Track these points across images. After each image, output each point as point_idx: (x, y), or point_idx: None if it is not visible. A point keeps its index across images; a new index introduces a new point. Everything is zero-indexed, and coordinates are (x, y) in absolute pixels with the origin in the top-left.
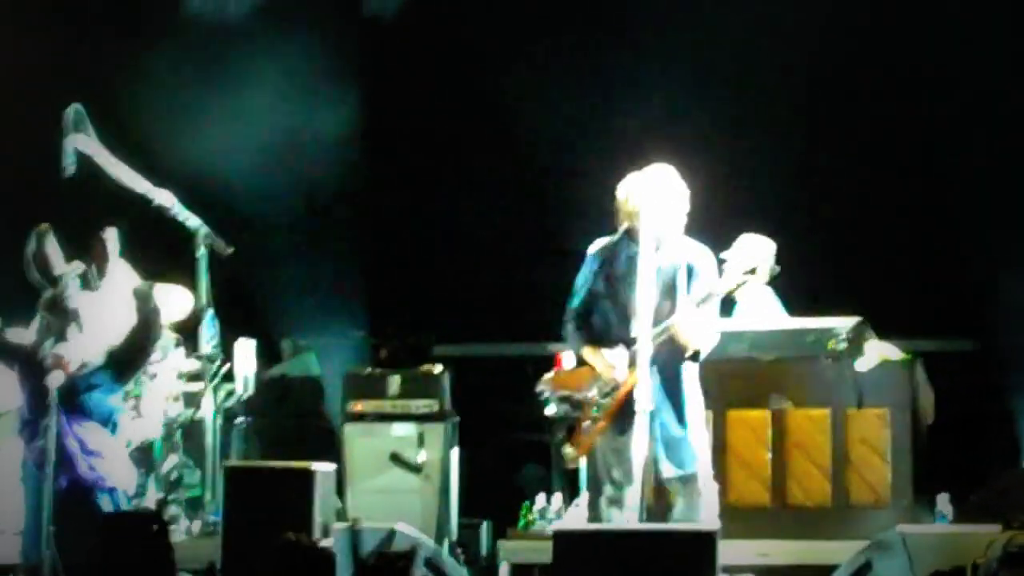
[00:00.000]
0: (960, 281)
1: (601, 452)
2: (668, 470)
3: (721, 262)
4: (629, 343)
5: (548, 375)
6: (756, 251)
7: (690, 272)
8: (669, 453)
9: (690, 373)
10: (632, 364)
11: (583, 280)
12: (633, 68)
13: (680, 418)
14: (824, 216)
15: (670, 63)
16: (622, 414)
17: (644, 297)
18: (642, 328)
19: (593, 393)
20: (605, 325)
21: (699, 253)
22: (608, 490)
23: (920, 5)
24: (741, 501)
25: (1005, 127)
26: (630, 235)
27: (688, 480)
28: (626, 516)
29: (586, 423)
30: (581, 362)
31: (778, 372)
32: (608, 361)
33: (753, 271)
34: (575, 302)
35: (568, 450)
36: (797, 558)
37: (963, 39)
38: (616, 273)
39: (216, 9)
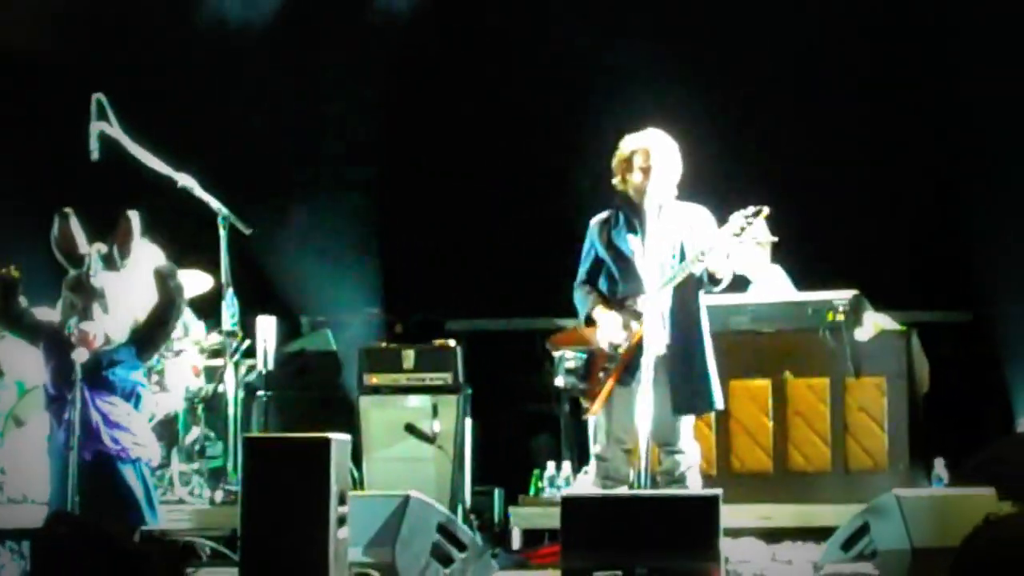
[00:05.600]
0: (954, 253)
1: (610, 411)
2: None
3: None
4: (632, 303)
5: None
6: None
7: (692, 230)
8: (679, 399)
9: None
10: (637, 318)
11: (585, 250)
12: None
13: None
14: (819, 190)
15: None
16: (631, 367)
17: (653, 251)
18: (651, 281)
19: (606, 345)
20: (610, 290)
21: (697, 212)
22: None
23: None
24: (744, 467)
25: (1001, 97)
26: (626, 199)
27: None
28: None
29: (600, 375)
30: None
31: (779, 343)
32: (611, 321)
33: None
34: (580, 271)
35: (584, 404)
36: (798, 521)
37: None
38: (616, 237)
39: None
